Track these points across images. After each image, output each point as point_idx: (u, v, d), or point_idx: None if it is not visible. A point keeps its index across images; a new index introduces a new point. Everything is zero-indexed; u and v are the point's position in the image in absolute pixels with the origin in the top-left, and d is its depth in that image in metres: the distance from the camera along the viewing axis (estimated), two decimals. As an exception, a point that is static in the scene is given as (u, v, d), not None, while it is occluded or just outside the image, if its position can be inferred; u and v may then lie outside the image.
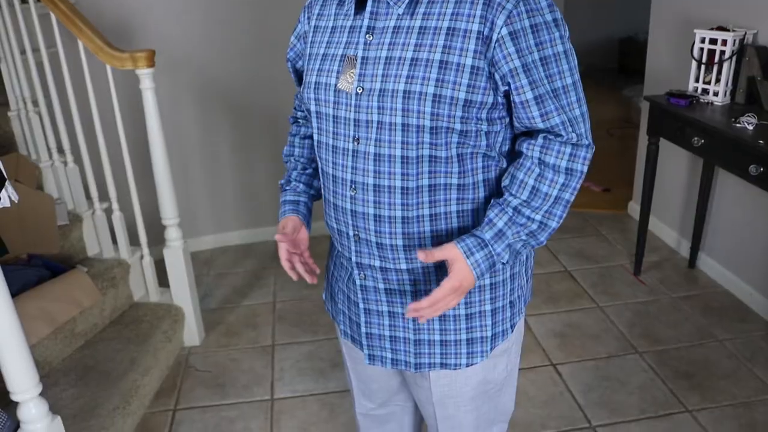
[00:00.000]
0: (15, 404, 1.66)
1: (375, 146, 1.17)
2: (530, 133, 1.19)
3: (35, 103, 2.72)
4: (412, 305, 1.17)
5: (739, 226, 2.92)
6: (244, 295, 3.17)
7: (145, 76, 2.40)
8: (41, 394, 1.68)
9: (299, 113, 1.51)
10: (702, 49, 2.70)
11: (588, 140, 1.18)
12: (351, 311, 1.39)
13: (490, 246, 1.16)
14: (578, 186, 1.19)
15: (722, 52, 2.61)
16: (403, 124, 1.13)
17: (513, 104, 1.16)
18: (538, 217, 1.18)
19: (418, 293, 1.27)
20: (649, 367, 2.52)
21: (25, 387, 1.63)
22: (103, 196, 2.76)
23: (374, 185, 1.19)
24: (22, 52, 2.63)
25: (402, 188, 1.18)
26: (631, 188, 3.88)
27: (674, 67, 3.16)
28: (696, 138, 2.55)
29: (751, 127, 2.35)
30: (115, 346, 2.51)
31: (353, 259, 1.29)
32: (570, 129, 1.16)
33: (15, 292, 2.20)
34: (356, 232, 1.25)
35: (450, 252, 1.16)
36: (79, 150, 2.63)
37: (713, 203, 3.06)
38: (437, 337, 1.30)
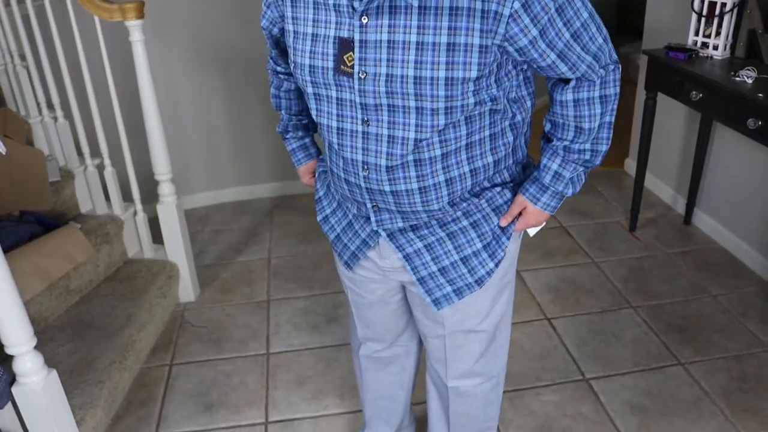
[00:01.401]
0: (11, 359, 1.67)
1: (389, 128, 1.15)
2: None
3: (23, 57, 2.67)
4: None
5: (735, 183, 2.91)
6: (240, 252, 3.17)
7: (135, 28, 2.34)
8: (37, 349, 1.69)
9: (279, 68, 1.46)
10: (702, 2, 2.65)
11: (613, 61, 1.20)
12: (352, 229, 1.41)
13: (552, 187, 1.28)
14: (615, 107, 1.23)
15: (723, 5, 2.57)
16: (417, 108, 1.12)
17: (539, 68, 1.16)
18: (588, 147, 1.24)
19: (445, 223, 1.30)
20: (642, 322, 2.53)
21: (19, 340, 1.63)
22: (95, 152, 2.72)
23: (387, 166, 1.18)
24: (7, 4, 2.57)
25: (415, 161, 1.17)
26: (627, 145, 3.86)
27: (673, 20, 3.11)
28: (694, 92, 2.52)
29: (750, 81, 2.32)
30: (110, 302, 2.50)
31: (372, 219, 1.30)
32: (597, 66, 1.17)
33: (7, 248, 2.19)
34: (374, 204, 1.27)
35: (520, 205, 1.30)
36: (69, 105, 2.59)
37: (710, 159, 3.04)
38: (478, 245, 1.32)
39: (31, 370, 1.67)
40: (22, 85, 2.70)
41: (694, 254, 2.97)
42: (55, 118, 2.71)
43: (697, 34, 2.71)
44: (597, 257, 2.97)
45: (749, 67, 2.37)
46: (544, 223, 1.37)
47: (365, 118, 1.15)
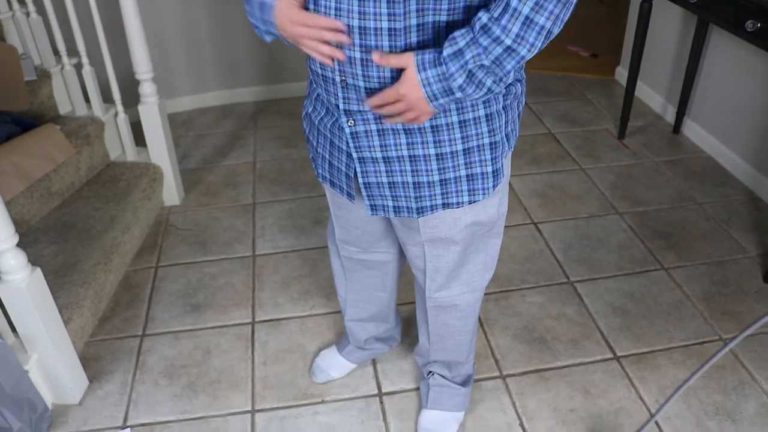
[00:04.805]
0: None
1: None
2: None
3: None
4: (367, 101, 1.17)
5: (727, 92, 2.87)
6: (224, 155, 3.12)
7: None
8: (21, 248, 1.66)
9: None
10: None
11: None
12: (333, 156, 1.35)
13: (444, 64, 1.08)
14: (557, 11, 1.03)
15: None
16: None
17: None
18: (507, 41, 1.05)
19: (411, 132, 1.23)
20: (628, 227, 2.55)
21: (1, 237, 1.60)
22: (72, 51, 2.62)
23: (359, 27, 1.11)
24: None
25: (389, 29, 1.10)
26: (618, 55, 3.79)
27: None
28: (692, -7, 2.45)
29: (751, -20, 2.24)
30: (93, 204, 2.47)
31: (341, 106, 1.23)
32: None
33: (-15, 146, 2.13)
34: (343, 77, 1.19)
35: (406, 60, 1.11)
36: (42, -1, 2.47)
37: (702, 68, 2.99)
38: (436, 177, 1.27)
39: (15, 268, 1.65)
40: (-11, -24, 2.57)
41: (681, 163, 2.96)
42: (27, 14, 2.59)
43: (698, -68, 2.60)
44: (585, 164, 2.96)
45: (750, -33, 2.29)
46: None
47: None
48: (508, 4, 1.03)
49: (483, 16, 1.06)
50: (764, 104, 2.65)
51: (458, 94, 1.11)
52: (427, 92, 1.11)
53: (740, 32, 2.27)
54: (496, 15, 1.05)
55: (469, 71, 1.08)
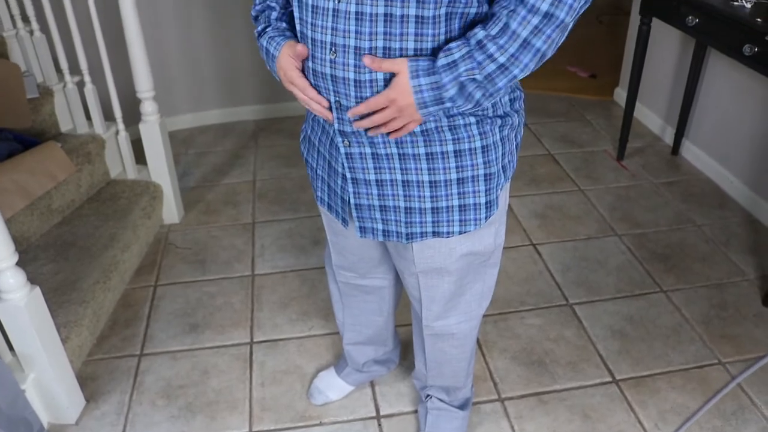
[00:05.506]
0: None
1: (356, 4, 1.08)
2: None
3: (-6, -36, 2.54)
4: (351, 110, 1.17)
5: (724, 114, 2.89)
6: (224, 174, 3.12)
7: (113, -64, 2.23)
8: (20, 267, 1.66)
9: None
10: None
11: None
12: (331, 179, 1.35)
13: (439, 74, 1.09)
14: (554, 36, 1.05)
15: (725, -74, 2.48)
16: None
17: None
18: (501, 59, 1.06)
19: (405, 157, 1.23)
20: (627, 249, 2.55)
21: (1, 256, 1.60)
22: (74, 69, 2.63)
23: (355, 47, 1.11)
24: None
25: (384, 49, 1.10)
26: (617, 76, 3.81)
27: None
28: (691, 17, 2.46)
29: (749, 5, 2.26)
30: (93, 222, 2.47)
31: (336, 126, 1.24)
32: None
33: (-14, 164, 2.14)
34: (337, 99, 1.19)
35: (399, 65, 1.10)
36: (45, 17, 2.48)
37: (701, 90, 3.01)
38: (428, 205, 1.27)
39: (14, 287, 1.65)
40: (-7, -5, 2.58)
41: (680, 184, 2.97)
42: (31, 32, 2.60)
43: (696, -43, 2.63)
44: (584, 185, 2.97)
45: (748, -8, 2.32)
46: None
47: None
48: (507, 26, 1.05)
49: (479, 32, 1.07)
50: (762, 126, 2.67)
51: (448, 104, 1.12)
52: (417, 99, 1.11)
53: (738, 56, 2.28)
54: (493, 33, 1.06)
55: (461, 83, 1.09)
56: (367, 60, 1.10)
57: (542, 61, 1.09)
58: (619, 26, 4.58)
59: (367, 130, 1.20)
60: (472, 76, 1.08)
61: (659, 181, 2.99)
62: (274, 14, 1.32)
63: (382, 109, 1.15)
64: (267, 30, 1.31)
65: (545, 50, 1.07)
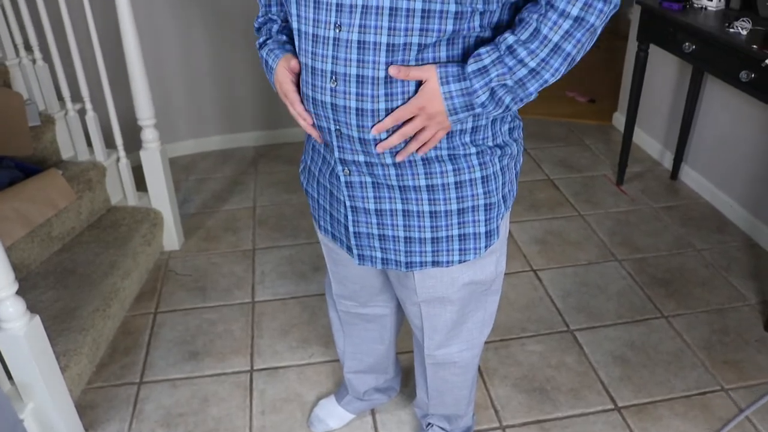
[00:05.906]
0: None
1: (359, 33, 1.07)
2: None
3: (-2, -5, 2.57)
4: (376, 126, 1.14)
5: (723, 138, 2.90)
6: (224, 200, 3.13)
7: (116, -33, 2.26)
8: (19, 295, 1.66)
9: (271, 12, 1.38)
10: (698, -49, 2.60)
11: None
12: (333, 207, 1.35)
13: (468, 79, 1.08)
14: (584, 40, 1.06)
15: (719, -46, 2.52)
16: (391, 8, 1.04)
17: None
18: (532, 63, 1.07)
19: (405, 188, 1.23)
20: (627, 274, 2.55)
21: (0, 285, 1.60)
22: (76, 96, 2.65)
23: (357, 75, 1.11)
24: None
25: (386, 78, 1.10)
26: (616, 100, 3.84)
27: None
28: (687, 43, 2.49)
29: (744, 32, 2.29)
30: (93, 249, 2.47)
31: (336, 154, 1.24)
32: None
33: (-13, 193, 2.15)
34: (338, 127, 1.19)
35: (427, 72, 1.09)
36: (48, 47, 2.51)
37: (699, 115, 3.03)
38: (428, 234, 1.27)
39: (13, 316, 1.65)
40: (-2, 25, 2.61)
41: (679, 209, 2.98)
42: (34, 60, 2.63)
43: (692, -16, 2.66)
44: (583, 210, 2.97)
45: (744, 19, 2.34)
46: None
47: (338, 22, 1.09)
48: (537, 30, 1.05)
49: (509, 37, 1.07)
50: (760, 150, 2.68)
51: (478, 110, 1.11)
52: (448, 105, 1.10)
53: (735, 82, 2.30)
54: (523, 38, 1.06)
55: (492, 89, 1.09)
56: (393, 70, 1.08)
57: (572, 65, 1.09)
58: (618, 51, 4.61)
59: (368, 162, 1.20)
60: (503, 82, 1.08)
61: (659, 206, 3.00)
62: (275, 27, 1.34)
63: (409, 120, 1.13)
64: (267, 42, 1.32)
65: (575, 54, 1.07)
